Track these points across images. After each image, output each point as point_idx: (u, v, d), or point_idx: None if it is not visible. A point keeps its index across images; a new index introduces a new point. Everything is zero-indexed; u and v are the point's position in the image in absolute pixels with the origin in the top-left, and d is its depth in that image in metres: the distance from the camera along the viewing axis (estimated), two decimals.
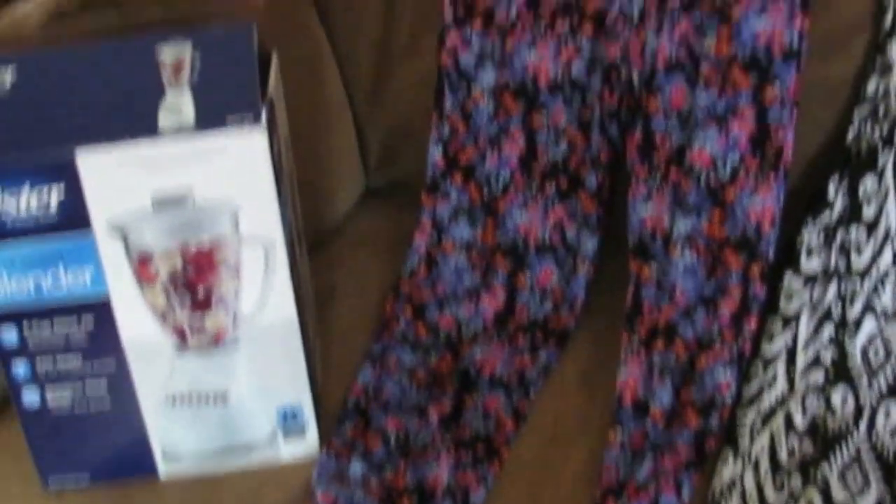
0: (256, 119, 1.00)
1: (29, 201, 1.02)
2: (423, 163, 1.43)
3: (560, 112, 1.35)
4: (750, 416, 1.15)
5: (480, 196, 1.39)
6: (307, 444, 1.21)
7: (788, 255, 1.25)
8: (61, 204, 1.01)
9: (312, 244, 1.36)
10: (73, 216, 1.02)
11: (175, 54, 1.06)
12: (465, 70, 1.39)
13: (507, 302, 1.37)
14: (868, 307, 1.21)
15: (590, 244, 1.37)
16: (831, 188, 1.26)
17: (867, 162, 1.25)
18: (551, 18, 1.34)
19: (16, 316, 1.08)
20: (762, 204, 1.23)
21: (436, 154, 1.42)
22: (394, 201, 1.57)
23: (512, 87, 1.36)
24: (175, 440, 1.18)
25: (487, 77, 1.38)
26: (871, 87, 1.26)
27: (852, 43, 1.27)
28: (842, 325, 1.20)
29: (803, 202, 1.28)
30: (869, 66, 1.26)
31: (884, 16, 1.24)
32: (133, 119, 1.02)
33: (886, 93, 1.24)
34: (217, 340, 1.12)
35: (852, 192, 1.25)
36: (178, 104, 1.02)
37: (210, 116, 1.00)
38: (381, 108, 1.53)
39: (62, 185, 1.01)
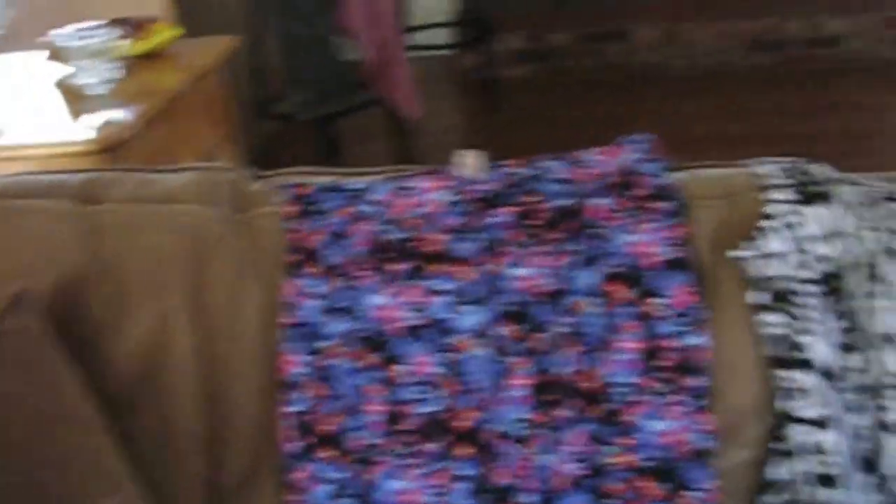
0: None
1: None
2: None
3: None
4: None
5: None
6: None
7: None
8: None
9: None
10: None
11: None
12: None
13: None
14: None
15: None
16: None
17: None
18: (419, 439, 1.18)
19: None
20: None
21: None
22: None
23: None
24: None
25: None
26: (771, 473, 1.18)
27: (749, 429, 1.19)
28: None
29: None
30: (769, 453, 1.18)
31: (775, 403, 1.17)
32: None
33: (792, 479, 1.16)
34: None
35: None
36: None
37: None
38: None
39: None
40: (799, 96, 4.28)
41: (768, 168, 1.25)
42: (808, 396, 1.15)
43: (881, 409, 1.16)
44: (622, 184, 1.19)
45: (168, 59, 2.43)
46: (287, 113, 3.78)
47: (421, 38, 4.35)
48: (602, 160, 1.23)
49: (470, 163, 1.26)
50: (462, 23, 4.67)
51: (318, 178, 1.33)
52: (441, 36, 4.61)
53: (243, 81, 3.73)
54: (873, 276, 1.17)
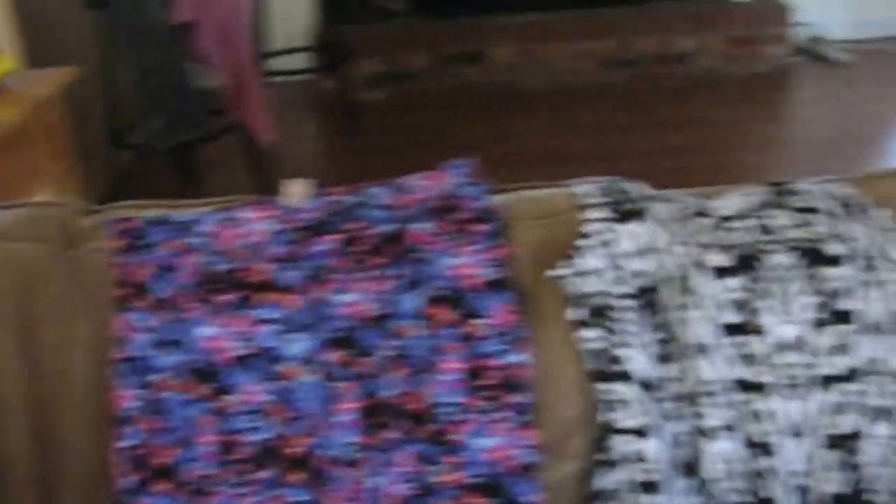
0: None
1: None
2: None
3: None
4: None
5: None
6: None
7: None
8: None
9: None
10: None
11: None
12: None
13: None
14: None
15: None
16: None
17: None
18: (252, 468, 1.19)
19: None
20: None
21: None
22: None
23: None
24: None
25: None
26: (596, 483, 1.21)
27: (573, 442, 1.22)
28: None
29: None
30: (594, 464, 1.22)
31: (597, 415, 1.21)
32: None
33: (617, 488, 1.20)
34: None
35: None
36: None
37: None
38: None
39: None
40: (650, 112, 4.41)
41: (586, 188, 1.29)
42: (628, 407, 1.20)
43: (698, 415, 1.21)
44: (444, 208, 1.22)
45: (3, 92, 2.38)
46: (142, 142, 3.74)
47: (280, 63, 4.35)
48: (425, 185, 1.26)
49: (297, 191, 1.27)
50: (320, 47, 4.68)
51: (148, 211, 1.33)
52: (300, 61, 4.61)
53: (97, 112, 3.67)
54: (685, 289, 1.22)
